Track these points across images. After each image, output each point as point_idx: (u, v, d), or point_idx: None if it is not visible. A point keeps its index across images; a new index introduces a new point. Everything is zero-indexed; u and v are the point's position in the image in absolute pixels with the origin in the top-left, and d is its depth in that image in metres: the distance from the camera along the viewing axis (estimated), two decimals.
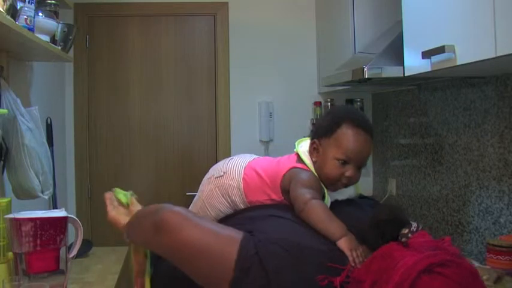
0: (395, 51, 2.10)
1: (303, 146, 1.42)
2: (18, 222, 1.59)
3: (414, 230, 1.13)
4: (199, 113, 3.45)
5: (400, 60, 2.04)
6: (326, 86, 2.89)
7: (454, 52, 1.61)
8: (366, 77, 2.16)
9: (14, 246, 1.61)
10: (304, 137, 1.51)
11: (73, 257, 1.74)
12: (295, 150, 1.43)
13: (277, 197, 1.38)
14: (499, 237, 1.89)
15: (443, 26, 1.71)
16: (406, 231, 1.12)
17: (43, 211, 1.72)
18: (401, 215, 1.18)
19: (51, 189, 2.27)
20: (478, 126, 2.15)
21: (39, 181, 2.11)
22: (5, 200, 1.75)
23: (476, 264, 1.75)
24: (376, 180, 3.36)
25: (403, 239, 1.11)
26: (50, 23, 2.24)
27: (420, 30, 1.89)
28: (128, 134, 3.41)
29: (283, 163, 1.40)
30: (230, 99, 3.43)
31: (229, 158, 1.52)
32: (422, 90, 2.65)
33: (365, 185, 3.41)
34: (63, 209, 1.79)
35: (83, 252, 2.65)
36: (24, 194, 2.09)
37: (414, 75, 1.97)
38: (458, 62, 1.59)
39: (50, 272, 1.62)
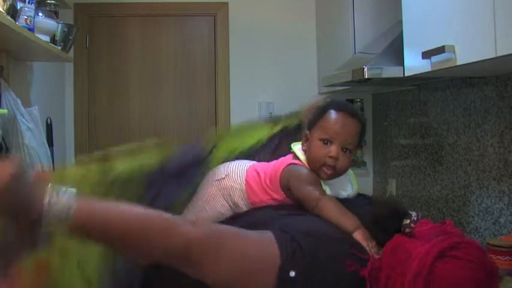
0: (395, 51, 2.10)
1: (297, 146, 1.48)
2: None
3: (415, 219, 1.16)
4: (199, 113, 3.45)
5: (400, 61, 2.04)
6: (326, 86, 2.89)
7: (454, 52, 1.61)
8: (366, 77, 2.16)
9: None
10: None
11: None
12: (291, 151, 1.48)
13: (278, 195, 1.40)
14: (499, 237, 1.89)
15: (443, 26, 1.71)
16: (407, 221, 1.15)
17: None
18: (399, 206, 1.21)
19: None
20: (478, 126, 2.15)
21: None
22: None
23: None
24: (376, 180, 3.36)
25: (407, 230, 1.14)
26: (50, 23, 2.24)
27: (420, 30, 1.89)
28: (128, 134, 3.41)
29: (281, 162, 1.44)
30: (230, 100, 3.43)
31: (229, 163, 1.53)
32: (422, 90, 2.65)
33: (365, 185, 3.41)
34: None
35: None
36: None
37: (414, 75, 1.96)
38: (458, 62, 1.59)
39: None
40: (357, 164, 3.41)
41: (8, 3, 1.78)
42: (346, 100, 3.38)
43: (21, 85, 2.46)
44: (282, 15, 3.44)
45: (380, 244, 1.17)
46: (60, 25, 2.46)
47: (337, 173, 1.39)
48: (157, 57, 3.43)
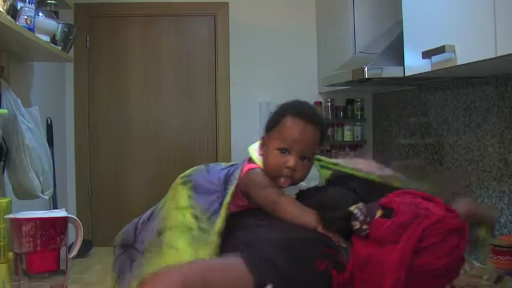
0: (395, 51, 2.10)
1: (255, 146, 1.43)
2: (18, 223, 1.59)
3: (367, 220, 1.12)
4: (200, 113, 3.45)
5: (400, 60, 2.04)
6: (326, 86, 2.89)
7: (454, 52, 1.60)
8: (366, 77, 2.16)
9: (14, 246, 1.61)
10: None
11: (73, 257, 1.74)
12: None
13: (242, 202, 1.38)
14: (499, 237, 1.89)
15: (443, 26, 1.71)
16: (357, 225, 1.12)
17: (43, 211, 1.72)
18: (340, 212, 1.17)
19: (51, 189, 2.27)
20: (478, 126, 2.15)
21: (40, 181, 2.11)
22: (5, 200, 1.75)
23: (476, 264, 1.75)
24: None
25: (363, 234, 1.12)
26: (50, 23, 2.24)
27: (420, 30, 1.89)
28: (128, 134, 3.41)
29: (240, 168, 1.40)
30: (230, 100, 3.43)
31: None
32: (422, 90, 2.65)
33: None
34: (64, 209, 1.80)
35: (83, 252, 2.65)
36: (25, 194, 2.09)
37: (414, 75, 1.96)
38: (459, 62, 1.59)
39: (50, 272, 1.62)
40: None
41: (8, 3, 1.78)
42: (347, 100, 3.39)
43: (22, 85, 2.46)
44: (282, 15, 3.44)
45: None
46: (60, 25, 2.46)
47: (295, 182, 1.34)
48: (157, 57, 3.43)
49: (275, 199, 1.29)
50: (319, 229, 1.21)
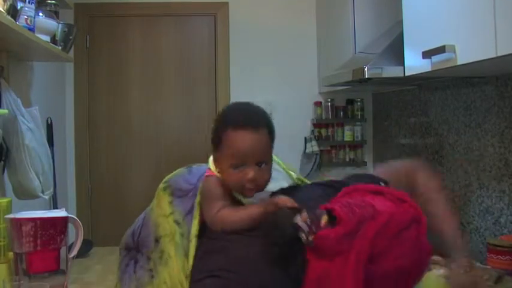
0: (395, 51, 2.10)
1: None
2: (18, 222, 1.59)
3: (313, 229, 1.05)
4: (200, 113, 3.45)
5: (400, 60, 2.04)
6: (326, 86, 2.89)
7: (454, 52, 1.61)
8: (366, 77, 2.16)
9: (14, 246, 1.61)
10: None
11: (73, 257, 1.74)
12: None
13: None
14: (499, 237, 1.89)
15: (443, 26, 1.71)
16: (303, 237, 1.05)
17: (43, 211, 1.72)
18: (284, 229, 1.10)
19: (51, 189, 2.27)
20: (478, 126, 2.15)
21: (40, 181, 2.11)
22: (5, 200, 1.75)
23: (476, 264, 1.75)
24: None
25: (310, 246, 1.05)
26: (50, 23, 2.24)
27: (420, 30, 1.89)
28: (128, 134, 3.41)
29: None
30: (230, 99, 3.42)
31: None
32: (422, 90, 2.65)
33: None
34: (64, 208, 1.79)
35: (84, 252, 2.65)
36: (25, 194, 2.09)
37: (415, 75, 1.96)
38: (459, 62, 1.59)
39: (51, 272, 1.62)
40: (357, 163, 3.41)
41: (8, 3, 1.78)
42: (347, 100, 3.39)
43: (22, 85, 2.46)
44: (282, 15, 3.44)
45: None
46: (60, 25, 2.45)
47: (261, 189, 1.28)
48: (157, 57, 3.43)
49: (213, 215, 1.25)
50: (268, 209, 1.16)
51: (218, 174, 1.31)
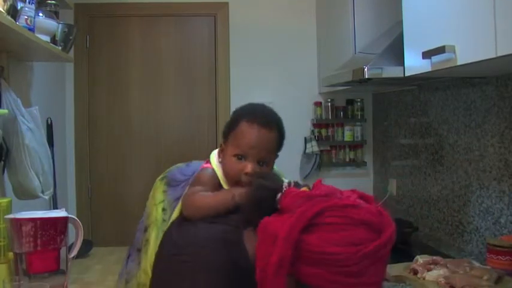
0: (395, 51, 2.10)
1: (216, 152, 1.42)
2: (18, 223, 1.59)
3: (285, 189, 1.06)
4: (200, 113, 3.45)
5: (400, 61, 2.04)
6: (326, 86, 2.89)
7: (454, 52, 1.60)
8: (366, 77, 2.16)
9: (14, 246, 1.61)
10: None
11: (73, 257, 1.74)
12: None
13: None
14: (499, 237, 1.89)
15: (443, 26, 1.71)
16: (279, 196, 1.06)
17: (43, 211, 1.72)
18: (271, 184, 1.11)
19: (51, 189, 2.27)
20: (478, 126, 2.15)
21: (40, 181, 2.11)
22: (5, 200, 1.75)
23: (476, 264, 1.75)
24: (377, 180, 3.36)
25: (277, 206, 1.05)
26: (51, 23, 2.24)
27: (420, 30, 1.89)
28: (128, 134, 3.41)
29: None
30: (230, 100, 3.43)
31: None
32: (422, 90, 2.65)
33: (365, 185, 3.42)
34: (64, 209, 1.79)
35: (84, 252, 2.65)
36: (25, 194, 2.09)
37: (414, 75, 1.96)
38: (459, 62, 1.59)
39: (51, 272, 1.62)
40: (357, 164, 3.41)
41: (9, 3, 1.78)
42: (347, 100, 3.39)
43: (22, 85, 2.46)
44: (282, 16, 3.44)
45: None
46: (60, 25, 2.45)
47: None
48: (157, 57, 3.43)
49: (187, 196, 1.28)
50: (237, 199, 1.19)
51: (216, 167, 1.34)
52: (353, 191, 1.07)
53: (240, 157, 1.28)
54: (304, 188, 1.07)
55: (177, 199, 1.37)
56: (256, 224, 1.06)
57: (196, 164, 1.49)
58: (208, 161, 1.39)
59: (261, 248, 1.00)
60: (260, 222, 1.04)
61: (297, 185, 1.10)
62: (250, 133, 1.28)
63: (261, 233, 1.02)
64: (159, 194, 1.43)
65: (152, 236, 1.36)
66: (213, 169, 1.35)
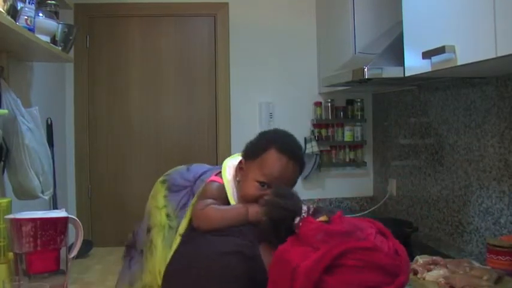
0: (395, 51, 2.10)
1: (232, 161, 1.42)
2: (18, 223, 1.59)
3: (305, 215, 1.08)
4: (200, 114, 3.45)
5: (400, 61, 2.04)
6: (326, 86, 2.89)
7: (454, 52, 1.60)
8: (366, 77, 2.16)
9: (14, 246, 1.61)
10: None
11: (73, 257, 1.74)
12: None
13: None
14: (499, 237, 1.89)
15: (443, 26, 1.71)
16: (297, 220, 1.08)
17: (43, 211, 1.72)
18: (291, 206, 1.13)
19: (51, 190, 2.27)
20: (478, 126, 2.15)
21: (40, 181, 2.11)
22: (5, 200, 1.75)
23: (476, 264, 1.75)
24: (377, 180, 3.36)
25: (296, 230, 1.07)
26: (50, 24, 2.24)
27: (420, 30, 1.89)
28: (128, 134, 3.41)
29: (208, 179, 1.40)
30: (230, 100, 3.43)
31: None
32: (422, 90, 2.65)
33: (365, 185, 3.42)
34: (64, 209, 1.80)
35: (83, 252, 2.65)
36: (25, 194, 2.09)
37: (414, 75, 1.96)
38: (459, 63, 1.59)
39: (51, 272, 1.62)
40: (357, 164, 3.41)
41: (9, 3, 1.78)
42: (347, 100, 3.39)
43: (22, 85, 2.45)
44: (282, 16, 3.44)
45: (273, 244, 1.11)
46: (60, 25, 2.45)
47: None
48: (157, 57, 3.43)
49: (199, 209, 1.28)
50: (251, 215, 1.21)
51: (227, 183, 1.34)
52: (372, 222, 1.09)
53: (263, 184, 1.28)
54: (322, 218, 1.07)
55: (182, 207, 1.37)
56: (271, 241, 1.09)
57: (197, 168, 1.49)
58: (219, 173, 1.38)
59: (274, 273, 1.02)
60: (277, 243, 1.05)
61: (316, 212, 1.10)
62: (278, 164, 1.29)
63: (277, 259, 1.03)
64: (160, 198, 1.43)
65: (158, 240, 1.36)
66: (221, 184, 1.35)
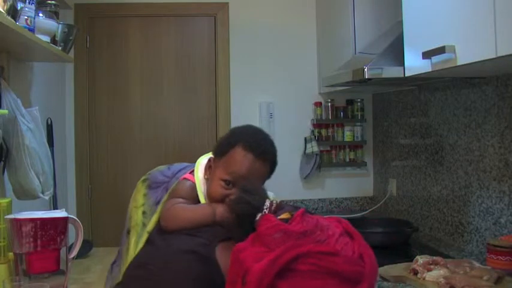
0: (395, 51, 2.10)
1: (205, 159, 1.38)
2: (18, 223, 1.59)
3: (266, 211, 1.03)
4: (200, 114, 3.45)
5: (400, 61, 2.04)
6: (326, 86, 2.89)
7: (454, 52, 1.61)
8: (366, 77, 2.16)
9: (14, 246, 1.61)
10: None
11: (73, 257, 1.74)
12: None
13: None
14: (499, 237, 1.89)
15: (443, 26, 1.71)
16: (258, 216, 1.03)
17: (43, 211, 1.72)
18: (254, 200, 1.07)
19: (51, 190, 2.27)
20: (478, 126, 2.15)
21: (40, 181, 2.11)
22: (5, 200, 1.75)
23: (476, 264, 1.75)
24: (377, 180, 3.36)
25: (255, 226, 1.03)
26: (51, 24, 2.24)
27: (420, 30, 1.89)
28: (128, 134, 3.41)
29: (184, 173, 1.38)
30: (230, 100, 3.42)
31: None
32: (422, 90, 2.65)
33: (365, 185, 3.42)
34: (64, 209, 1.80)
35: (83, 252, 2.65)
36: (25, 194, 2.09)
37: (414, 75, 1.96)
38: (459, 63, 1.59)
39: (51, 273, 1.62)
40: (357, 164, 3.41)
41: (9, 3, 1.78)
42: (347, 100, 3.39)
43: (22, 85, 2.45)
44: (283, 16, 3.44)
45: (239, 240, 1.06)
46: (60, 25, 2.45)
47: None
48: (157, 57, 3.43)
49: (167, 208, 1.25)
50: (217, 215, 1.18)
51: (198, 182, 1.32)
52: (338, 222, 1.02)
53: (228, 183, 1.24)
54: (284, 215, 1.02)
55: (157, 203, 1.35)
56: (238, 239, 1.03)
57: (177, 166, 1.47)
58: (192, 172, 1.36)
59: (231, 273, 0.98)
60: (237, 241, 1.00)
61: (278, 208, 1.04)
62: (243, 162, 1.23)
63: (233, 258, 0.98)
64: (140, 197, 1.41)
65: (132, 240, 1.33)
66: (192, 182, 1.31)
